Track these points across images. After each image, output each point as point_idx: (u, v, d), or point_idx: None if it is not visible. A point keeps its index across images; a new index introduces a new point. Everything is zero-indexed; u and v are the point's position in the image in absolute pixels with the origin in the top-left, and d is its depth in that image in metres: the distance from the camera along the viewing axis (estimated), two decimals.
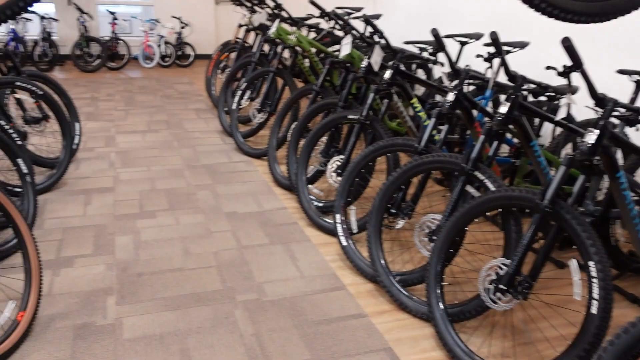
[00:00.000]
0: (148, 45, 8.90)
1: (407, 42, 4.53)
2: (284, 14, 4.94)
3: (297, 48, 4.45)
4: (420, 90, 4.88)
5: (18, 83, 3.47)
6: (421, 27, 5.26)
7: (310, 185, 3.44)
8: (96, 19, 9.23)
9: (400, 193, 2.65)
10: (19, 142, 3.21)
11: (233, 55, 6.09)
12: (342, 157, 3.15)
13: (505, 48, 3.51)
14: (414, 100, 3.13)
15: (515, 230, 2.19)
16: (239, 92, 4.69)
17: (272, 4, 5.03)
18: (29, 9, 1.23)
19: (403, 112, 3.28)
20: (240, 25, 6.16)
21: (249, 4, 5.87)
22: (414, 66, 4.57)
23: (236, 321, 2.30)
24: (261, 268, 2.75)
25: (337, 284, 2.65)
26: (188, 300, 2.43)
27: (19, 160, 2.93)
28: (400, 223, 2.65)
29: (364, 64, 3.22)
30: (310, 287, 2.60)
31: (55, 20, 8.60)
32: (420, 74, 4.66)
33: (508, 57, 2.89)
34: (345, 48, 3.41)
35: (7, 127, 3.16)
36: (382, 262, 2.59)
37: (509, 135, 3.08)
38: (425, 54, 4.48)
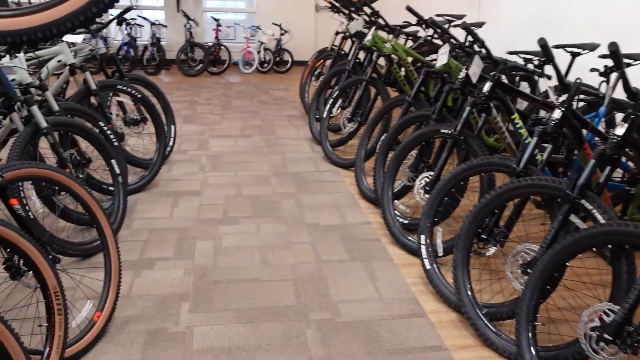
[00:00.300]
0: (248, 51, 9.14)
1: (511, 52, 4.23)
2: (380, 21, 4.81)
3: (393, 56, 4.30)
4: (523, 104, 4.54)
5: (119, 86, 3.63)
6: (528, 36, 4.91)
7: (396, 201, 3.28)
8: (202, 26, 9.63)
9: (493, 217, 2.42)
10: (116, 143, 3.34)
11: (329, 62, 6.05)
12: (431, 173, 2.96)
13: (625, 61, 3.13)
14: (515, 115, 2.87)
15: (627, 271, 1.89)
16: (331, 100, 4.62)
17: (369, 12, 4.92)
18: (106, 12, 1.20)
19: (502, 128, 3.02)
20: (337, 33, 6.11)
21: (346, 11, 5.80)
22: (517, 78, 4.25)
23: (307, 341, 2.19)
24: (338, 285, 2.63)
25: (417, 310, 2.46)
26: (260, 314, 2.37)
27: (113, 161, 3.04)
28: (491, 250, 2.42)
29: (462, 75, 3.01)
30: (387, 311, 2.44)
31: (164, 26, 9.08)
32: (524, 87, 4.33)
33: (629, 71, 2.56)
34: (442, 57, 3.22)
35: (105, 128, 3.29)
36: (468, 291, 2.37)
37: (624, 159, 2.73)
38: (530, 66, 4.15)
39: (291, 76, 8.98)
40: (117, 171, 3.05)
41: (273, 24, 9.34)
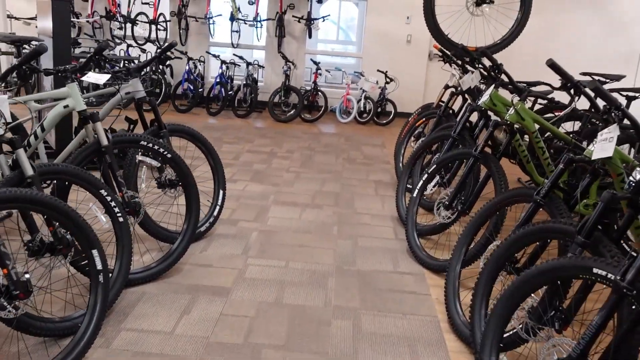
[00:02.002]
0: (347, 98, 8.28)
1: None
2: (503, 77, 3.65)
3: (516, 126, 3.12)
4: None
5: (143, 142, 2.80)
6: None
7: (502, 356, 2.08)
8: (301, 69, 8.97)
9: None
10: (121, 219, 2.49)
11: (433, 121, 4.96)
12: (571, 342, 1.73)
13: None
14: None
15: None
16: (425, 175, 3.51)
17: (488, 64, 3.79)
18: None
19: None
20: (446, 87, 5.01)
21: (459, 62, 4.70)
22: None
23: None
24: None
25: None
26: None
27: (94, 252, 2.16)
28: None
29: (637, 176, 1.80)
30: None
31: (261, 67, 8.52)
32: None
33: None
34: (605, 146, 2.00)
35: (109, 198, 2.46)
36: None
37: None
38: None
39: (392, 130, 7.95)
40: (99, 266, 2.17)
41: (378, 70, 8.43)
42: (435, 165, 3.46)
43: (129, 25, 8.43)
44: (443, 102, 5.11)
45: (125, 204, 2.64)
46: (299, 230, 3.67)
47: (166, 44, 3.16)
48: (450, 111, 4.77)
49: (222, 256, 3.16)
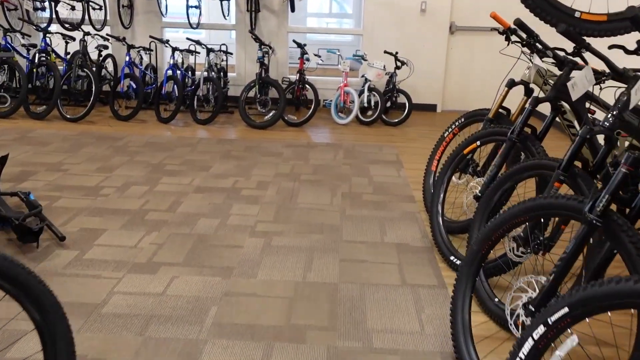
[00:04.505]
0: (345, 91, 6.20)
1: None
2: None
3: None
4: None
5: None
6: None
7: None
8: (284, 54, 6.88)
9: None
10: None
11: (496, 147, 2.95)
12: None
13: None
14: None
15: None
16: (544, 331, 1.49)
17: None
18: None
19: None
20: (512, 85, 2.96)
21: (540, 47, 2.64)
22: None
23: None
24: None
25: None
26: None
27: None
28: None
29: None
30: None
31: (228, 53, 6.42)
32: None
33: None
34: None
35: None
36: None
37: None
38: None
39: (406, 132, 5.91)
40: None
41: (385, 52, 6.35)
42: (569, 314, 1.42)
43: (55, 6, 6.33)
44: (505, 109, 3.10)
45: None
46: None
47: None
48: (527, 132, 2.71)
49: None
